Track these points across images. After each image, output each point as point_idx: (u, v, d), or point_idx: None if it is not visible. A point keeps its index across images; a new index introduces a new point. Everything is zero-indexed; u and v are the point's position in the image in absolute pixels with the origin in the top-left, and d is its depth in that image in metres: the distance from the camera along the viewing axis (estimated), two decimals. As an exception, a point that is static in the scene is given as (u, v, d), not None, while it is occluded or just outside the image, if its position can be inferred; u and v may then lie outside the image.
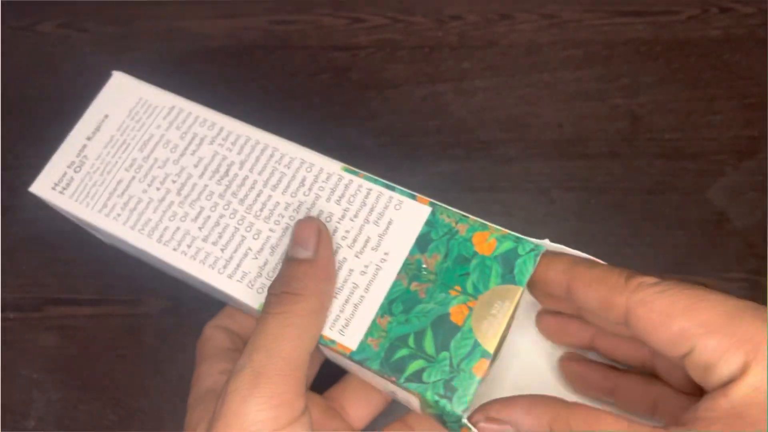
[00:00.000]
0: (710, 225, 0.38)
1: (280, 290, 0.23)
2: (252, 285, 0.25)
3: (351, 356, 0.23)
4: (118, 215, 0.27)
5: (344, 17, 0.43)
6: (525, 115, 0.40)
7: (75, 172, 0.28)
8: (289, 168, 0.27)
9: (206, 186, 0.27)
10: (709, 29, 0.41)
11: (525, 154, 0.39)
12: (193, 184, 0.27)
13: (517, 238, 0.24)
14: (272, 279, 0.25)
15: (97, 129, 0.28)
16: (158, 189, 0.27)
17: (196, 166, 0.27)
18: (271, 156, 0.27)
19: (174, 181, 0.27)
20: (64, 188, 0.28)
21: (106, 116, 0.29)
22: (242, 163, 0.27)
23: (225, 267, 0.26)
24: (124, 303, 0.37)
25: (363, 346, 0.23)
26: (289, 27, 0.43)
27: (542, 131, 0.40)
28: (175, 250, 0.26)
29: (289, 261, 0.24)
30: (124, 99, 0.29)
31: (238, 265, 0.26)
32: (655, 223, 0.38)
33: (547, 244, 0.24)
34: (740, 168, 0.39)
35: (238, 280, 0.25)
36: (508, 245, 0.24)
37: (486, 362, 0.22)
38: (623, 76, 0.41)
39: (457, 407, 0.21)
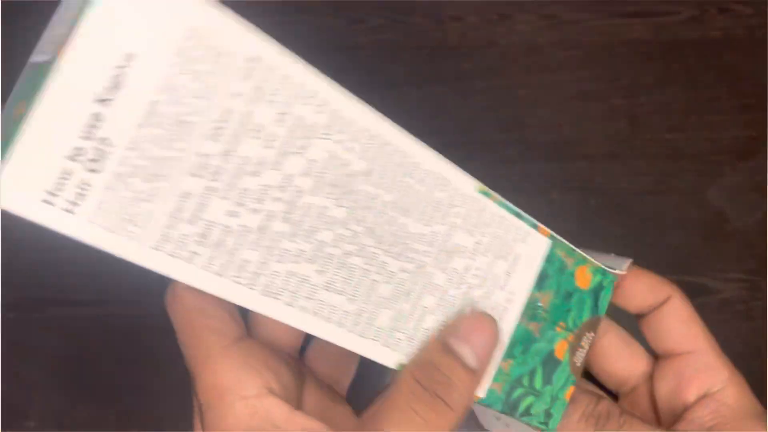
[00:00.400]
0: (710, 225, 0.38)
1: (433, 391, 0.19)
2: (387, 343, 0.21)
3: (479, 402, 0.23)
4: (194, 255, 0.18)
5: (343, 17, 0.43)
6: (525, 116, 0.40)
7: (91, 170, 0.16)
8: (422, 185, 0.21)
9: (324, 208, 0.19)
10: (708, 30, 0.41)
11: (525, 154, 0.39)
12: (305, 205, 0.19)
13: (604, 271, 0.24)
14: (409, 336, 0.21)
15: (117, 84, 0.15)
16: (255, 212, 0.18)
17: (306, 174, 0.18)
18: (401, 165, 0.20)
19: (278, 199, 0.18)
20: (73, 203, 0.16)
21: (131, 57, 0.15)
22: (367, 174, 0.19)
23: (356, 323, 0.20)
24: (124, 303, 0.37)
25: (490, 392, 0.23)
26: (288, 27, 0.43)
27: (542, 132, 0.40)
28: (290, 305, 0.19)
29: (447, 355, 0.20)
30: (163, 26, 0.16)
31: (371, 320, 0.20)
32: (654, 224, 0.38)
33: (619, 265, 0.25)
34: (740, 168, 0.39)
35: (372, 338, 0.20)
36: (598, 278, 0.24)
37: (573, 388, 0.24)
38: (623, 76, 0.41)
39: (551, 429, 0.23)
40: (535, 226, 0.23)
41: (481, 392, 0.22)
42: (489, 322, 0.21)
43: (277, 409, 0.20)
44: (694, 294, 0.39)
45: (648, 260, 0.38)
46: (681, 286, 0.40)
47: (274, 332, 0.24)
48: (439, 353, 0.20)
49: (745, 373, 0.38)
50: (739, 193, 0.38)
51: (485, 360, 0.21)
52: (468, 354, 0.20)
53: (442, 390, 0.20)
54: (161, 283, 0.38)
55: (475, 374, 0.20)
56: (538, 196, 0.38)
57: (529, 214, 0.39)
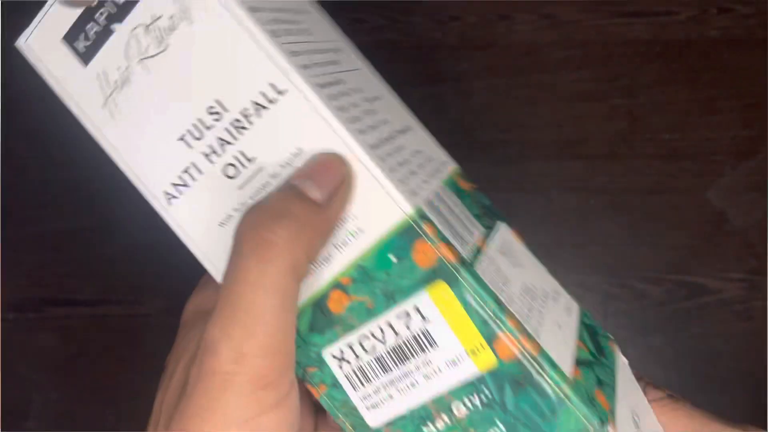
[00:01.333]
0: (709, 225, 0.38)
1: (264, 228, 0.18)
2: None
3: None
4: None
5: (344, 17, 0.43)
6: (524, 116, 0.40)
7: None
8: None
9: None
10: (708, 30, 0.41)
11: (524, 154, 0.39)
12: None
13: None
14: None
15: None
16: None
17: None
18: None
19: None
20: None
21: None
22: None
23: None
24: (124, 303, 0.37)
25: None
26: (288, 27, 0.43)
27: (541, 132, 0.40)
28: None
29: (290, 191, 0.18)
30: None
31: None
32: (654, 224, 0.38)
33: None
34: (739, 168, 0.39)
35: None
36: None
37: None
38: (622, 76, 0.41)
39: None
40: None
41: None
42: (337, 158, 0.19)
43: None
44: (694, 294, 0.39)
45: (648, 260, 0.38)
46: (681, 286, 0.40)
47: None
48: (275, 192, 0.19)
49: (746, 373, 0.38)
50: (739, 193, 0.38)
51: (333, 194, 0.18)
52: (310, 186, 0.18)
53: (276, 223, 0.17)
54: (161, 283, 0.38)
55: (319, 207, 0.18)
56: (538, 196, 0.38)
57: (529, 213, 0.39)
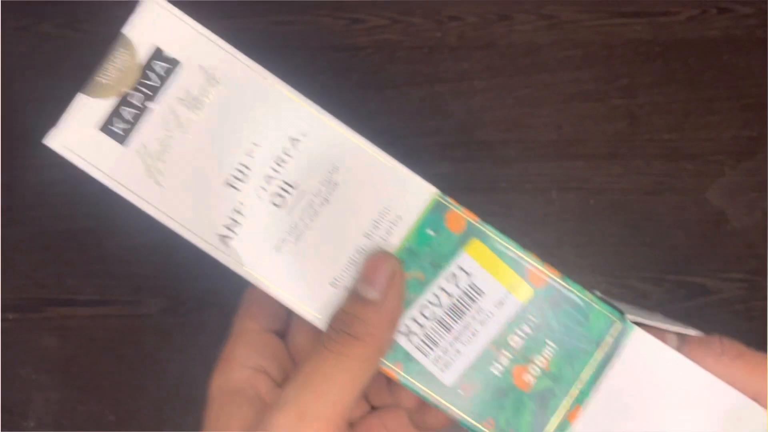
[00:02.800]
0: (709, 225, 0.38)
1: (341, 329, 0.22)
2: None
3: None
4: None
5: (343, 18, 0.43)
6: (524, 116, 0.40)
7: None
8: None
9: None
10: (707, 30, 0.41)
11: (524, 154, 0.39)
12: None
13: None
14: None
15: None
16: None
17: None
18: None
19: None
20: None
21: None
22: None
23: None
24: (124, 303, 0.37)
25: None
26: (288, 27, 0.43)
27: (541, 132, 0.40)
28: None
29: (354, 298, 0.23)
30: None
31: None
32: (654, 224, 0.38)
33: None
34: (739, 168, 0.39)
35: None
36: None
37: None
38: (622, 76, 0.41)
39: None
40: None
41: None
42: (383, 255, 0.23)
43: (264, 385, 0.24)
44: (694, 294, 0.39)
45: (647, 260, 0.38)
46: (681, 286, 0.40)
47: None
48: (347, 300, 0.23)
49: (745, 373, 0.38)
50: (739, 193, 0.38)
51: (386, 290, 0.22)
52: (367, 289, 0.22)
53: (347, 326, 0.22)
54: (160, 284, 0.38)
55: (377, 305, 0.22)
56: (538, 196, 0.38)
57: (529, 213, 0.39)
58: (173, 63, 0.22)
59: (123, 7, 0.49)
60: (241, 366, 0.26)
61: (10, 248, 0.39)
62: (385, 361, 0.23)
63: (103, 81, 0.22)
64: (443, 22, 0.43)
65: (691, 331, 0.24)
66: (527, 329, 0.23)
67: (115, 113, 0.22)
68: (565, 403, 0.22)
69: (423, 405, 0.25)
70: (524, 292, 0.23)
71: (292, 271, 0.22)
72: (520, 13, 0.43)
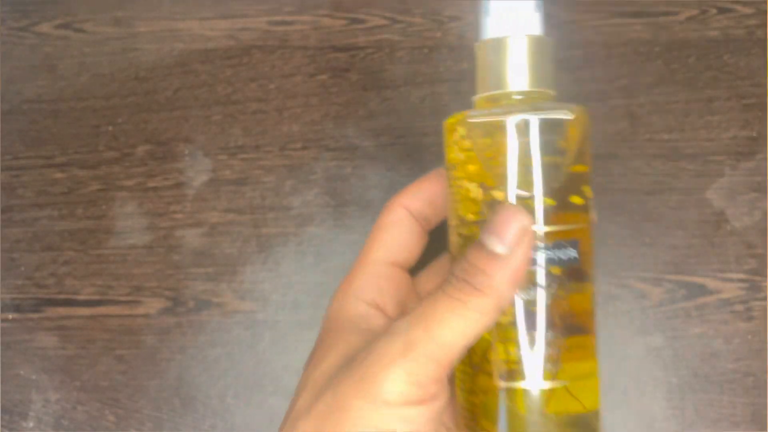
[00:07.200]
0: (709, 225, 0.38)
1: (463, 277, 0.22)
2: None
3: None
4: None
5: (343, 18, 0.43)
6: (524, 116, 0.40)
7: None
8: None
9: None
10: (707, 30, 0.41)
11: (524, 154, 0.39)
12: None
13: None
14: None
15: None
16: None
17: None
18: None
19: None
20: None
21: None
22: None
23: None
24: (123, 303, 0.37)
25: None
26: (288, 27, 0.43)
27: (541, 132, 0.40)
28: None
29: (480, 249, 0.23)
30: None
31: None
32: (653, 224, 0.38)
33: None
34: (739, 168, 0.39)
35: None
36: None
37: None
38: (622, 76, 0.41)
39: None
40: None
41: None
42: (515, 209, 0.23)
43: (377, 320, 0.25)
44: (694, 294, 0.39)
45: (647, 261, 0.38)
46: (681, 286, 0.40)
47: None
48: (472, 249, 0.23)
49: (745, 373, 0.38)
50: (739, 193, 0.38)
51: (514, 245, 0.22)
52: (494, 241, 0.22)
53: (470, 276, 0.22)
54: (160, 284, 0.38)
55: (503, 259, 0.22)
56: (538, 196, 0.38)
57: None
58: None
59: (123, 7, 0.49)
60: (356, 298, 0.26)
61: (9, 248, 0.39)
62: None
63: None
64: (443, 22, 0.43)
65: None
66: None
67: None
68: None
69: None
70: None
71: None
72: (520, 13, 0.43)
